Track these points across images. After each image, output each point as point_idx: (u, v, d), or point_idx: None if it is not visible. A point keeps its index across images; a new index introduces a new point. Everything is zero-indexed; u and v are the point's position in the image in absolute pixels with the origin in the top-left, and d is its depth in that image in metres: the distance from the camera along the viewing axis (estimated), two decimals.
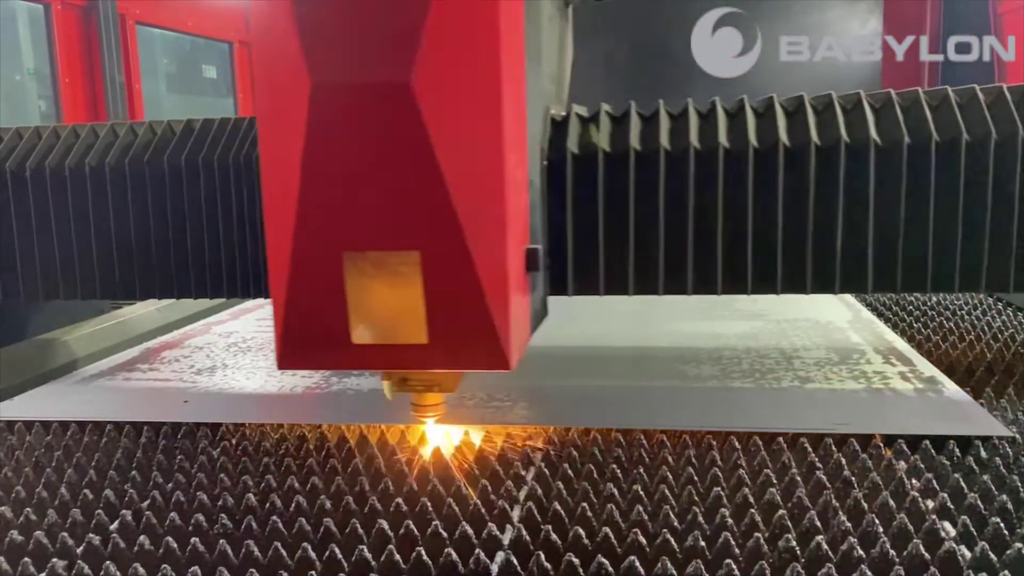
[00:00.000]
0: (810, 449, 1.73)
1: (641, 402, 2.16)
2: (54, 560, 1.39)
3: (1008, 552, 1.30)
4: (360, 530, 1.46)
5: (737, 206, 1.98)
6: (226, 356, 2.72)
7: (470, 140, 1.46)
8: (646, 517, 1.48)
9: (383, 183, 1.48)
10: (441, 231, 1.47)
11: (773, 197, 1.97)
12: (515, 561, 1.34)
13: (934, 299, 3.32)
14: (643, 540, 1.38)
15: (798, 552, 1.34)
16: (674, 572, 1.29)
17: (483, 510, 1.53)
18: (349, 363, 1.66)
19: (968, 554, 1.32)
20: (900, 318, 3.04)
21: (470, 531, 1.43)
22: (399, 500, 1.56)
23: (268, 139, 1.52)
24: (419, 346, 1.53)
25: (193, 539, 1.43)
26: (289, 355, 1.58)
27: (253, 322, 3.25)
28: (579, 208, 2.00)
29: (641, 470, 1.68)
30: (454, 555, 1.36)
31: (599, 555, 1.33)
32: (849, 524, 1.40)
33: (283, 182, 1.49)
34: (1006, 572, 1.26)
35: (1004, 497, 1.47)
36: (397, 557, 1.37)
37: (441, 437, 1.90)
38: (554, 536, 1.41)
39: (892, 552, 1.31)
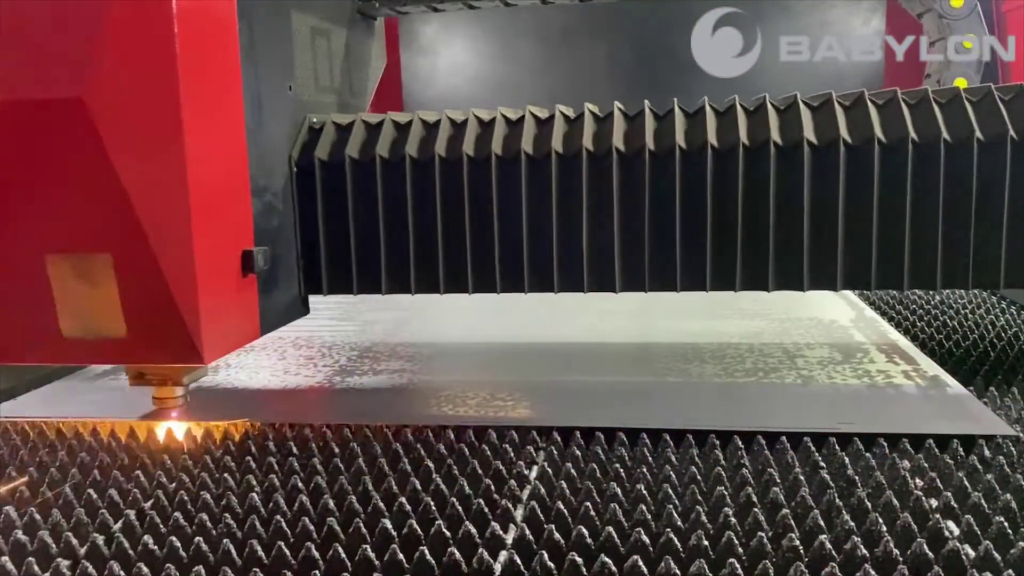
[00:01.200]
0: (813, 448, 1.73)
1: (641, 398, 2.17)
2: (58, 560, 1.39)
3: (1012, 551, 1.30)
4: (363, 530, 1.46)
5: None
6: (228, 356, 2.72)
7: (150, 151, 1.57)
8: (649, 516, 1.48)
9: (72, 193, 1.59)
10: (127, 235, 1.59)
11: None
12: (518, 560, 1.34)
13: (937, 297, 3.32)
14: (646, 539, 1.38)
15: (802, 551, 1.34)
16: (677, 571, 1.29)
17: (486, 509, 1.53)
18: (59, 357, 1.80)
19: (972, 553, 1.32)
20: (903, 316, 3.03)
21: (473, 530, 1.43)
22: (402, 500, 1.56)
23: None
24: (121, 341, 1.67)
25: (197, 539, 1.43)
26: (5, 350, 1.72)
27: None
28: (328, 211, 2.10)
29: (644, 469, 1.68)
30: (457, 554, 1.36)
31: (602, 554, 1.33)
32: (853, 523, 1.40)
33: None
34: (1010, 571, 1.26)
35: (1008, 496, 1.47)
36: (400, 556, 1.37)
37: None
38: (557, 535, 1.41)
39: (896, 551, 1.31)
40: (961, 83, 3.40)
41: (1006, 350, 2.49)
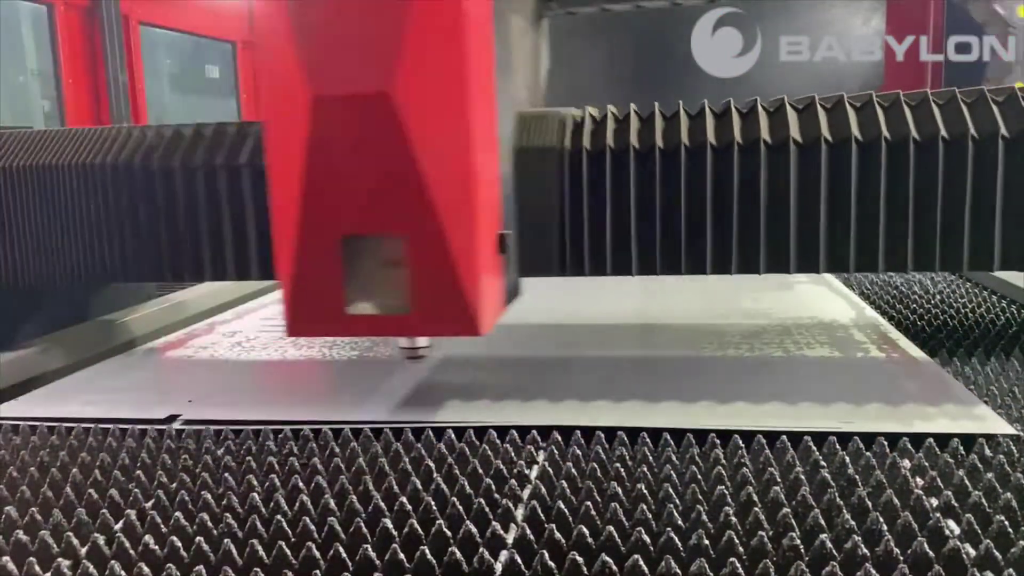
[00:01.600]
0: (814, 447, 1.73)
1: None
2: (59, 560, 1.40)
3: (1013, 550, 1.30)
4: (364, 529, 1.46)
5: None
6: (230, 355, 2.72)
7: (444, 141, 1.76)
8: (650, 515, 1.48)
9: (373, 178, 1.79)
10: (421, 219, 1.78)
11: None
12: (519, 560, 1.34)
13: (932, 290, 3.32)
14: (647, 538, 1.38)
15: (802, 550, 1.34)
16: (678, 571, 1.29)
17: (487, 509, 1.53)
18: (345, 331, 2.04)
19: (972, 552, 1.32)
20: (904, 316, 3.04)
21: (474, 530, 1.43)
22: (403, 499, 1.56)
23: (271, 146, 1.83)
24: (402, 316, 1.85)
25: (198, 539, 1.43)
26: (296, 325, 1.92)
27: (257, 321, 3.25)
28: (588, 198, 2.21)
29: (644, 468, 1.68)
30: (458, 554, 1.36)
31: (603, 553, 1.33)
32: (853, 522, 1.40)
33: (288, 178, 1.81)
34: (1011, 570, 1.26)
35: (1008, 495, 1.47)
36: (401, 556, 1.37)
37: None
38: (558, 534, 1.41)
39: (896, 550, 1.31)
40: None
41: (1007, 348, 2.49)
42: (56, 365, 2.69)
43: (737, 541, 1.36)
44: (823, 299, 3.29)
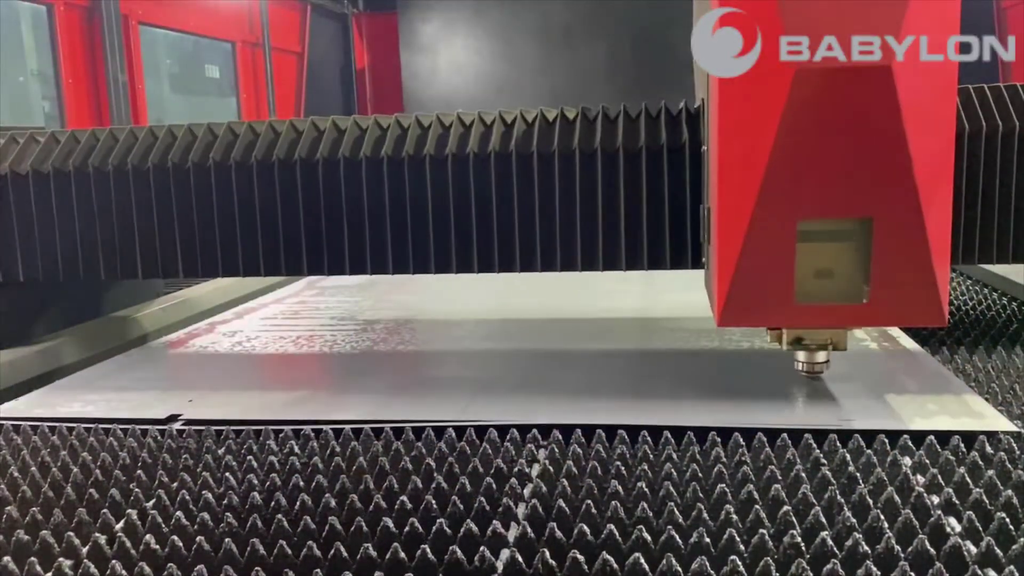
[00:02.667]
0: (815, 445, 1.73)
1: None
2: (60, 560, 1.40)
3: (1014, 547, 1.30)
4: (365, 528, 1.46)
5: None
6: (231, 355, 2.72)
7: (929, 119, 1.66)
8: (651, 514, 1.48)
9: (848, 158, 1.67)
10: (899, 199, 1.67)
11: None
12: (520, 558, 1.34)
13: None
14: (648, 536, 1.38)
15: (803, 548, 1.34)
16: (679, 569, 1.29)
17: (488, 508, 1.53)
18: (790, 321, 1.87)
19: (974, 549, 1.32)
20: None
21: (475, 529, 1.43)
22: (404, 498, 1.56)
23: (729, 122, 1.73)
24: (858, 305, 1.76)
25: (199, 538, 1.43)
26: (732, 314, 1.81)
27: (257, 321, 3.26)
28: None
29: (645, 467, 1.68)
30: (459, 553, 1.36)
31: (604, 552, 1.33)
32: (854, 520, 1.40)
33: (745, 160, 1.70)
34: (1012, 567, 1.26)
35: (1009, 492, 1.47)
36: (402, 555, 1.37)
37: None
38: (559, 533, 1.41)
39: (897, 548, 1.31)
40: None
41: (1008, 347, 2.49)
42: (73, 360, 2.79)
43: (738, 539, 1.36)
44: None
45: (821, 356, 2.03)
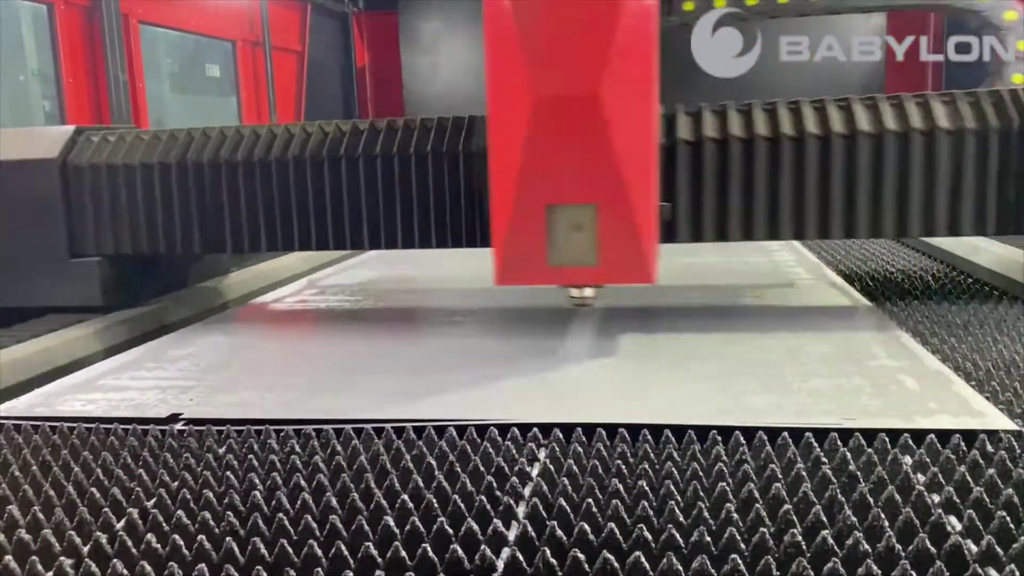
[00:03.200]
0: (815, 444, 1.73)
1: None
2: (61, 559, 1.40)
3: (1014, 546, 1.30)
4: (366, 527, 1.46)
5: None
6: (231, 354, 2.73)
7: (630, 129, 2.31)
8: (651, 512, 1.48)
9: (576, 161, 2.33)
10: (611, 191, 2.34)
11: None
12: (521, 557, 1.34)
13: (934, 286, 3.32)
14: (648, 535, 1.38)
15: (804, 547, 1.34)
16: (679, 568, 1.29)
17: (488, 507, 1.53)
18: (546, 280, 2.51)
19: (974, 548, 1.32)
20: (907, 313, 3.03)
21: (476, 527, 1.44)
22: (404, 497, 1.56)
23: (495, 137, 2.37)
24: (592, 269, 2.41)
25: (200, 537, 1.43)
26: (504, 276, 2.46)
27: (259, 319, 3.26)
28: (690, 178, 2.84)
29: (646, 465, 1.68)
30: (460, 551, 1.36)
31: (604, 550, 1.33)
32: (855, 518, 1.40)
33: (507, 161, 2.35)
34: (1012, 566, 1.26)
35: (1010, 491, 1.47)
36: (403, 554, 1.37)
37: None
38: (559, 532, 1.41)
39: (898, 546, 1.31)
40: (1018, 79, 4.51)
41: (1010, 344, 2.49)
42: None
43: (739, 538, 1.37)
44: (824, 293, 3.29)
45: (589, 292, 2.63)
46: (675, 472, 1.65)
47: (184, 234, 3.14)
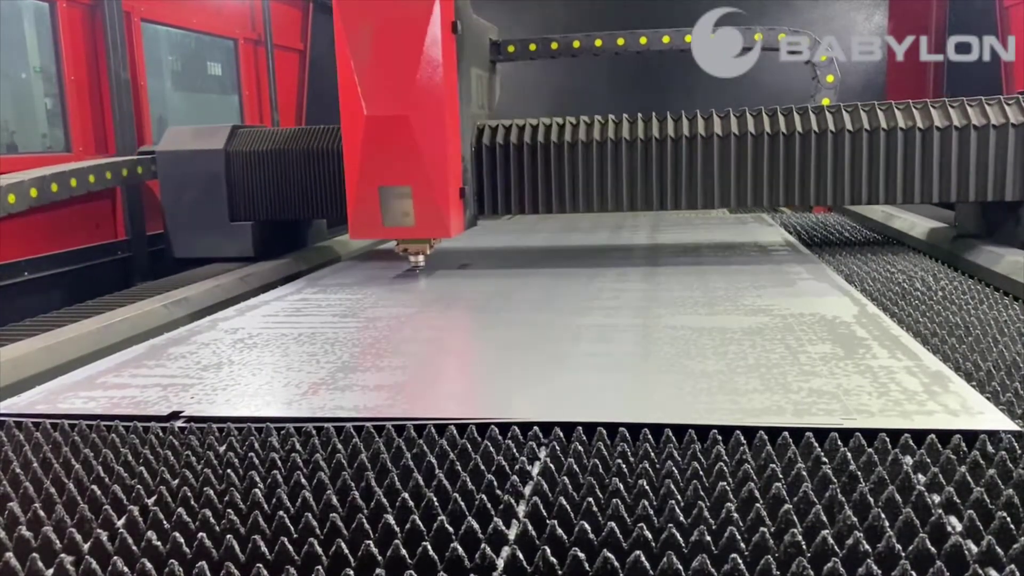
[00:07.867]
0: (816, 444, 1.73)
1: None
2: (62, 556, 1.40)
3: (1015, 546, 1.30)
4: (366, 525, 1.46)
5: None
6: (232, 352, 2.73)
7: (431, 138, 3.76)
8: (651, 512, 1.48)
9: (397, 157, 3.78)
10: (421, 178, 3.80)
11: None
12: (521, 556, 1.35)
13: (939, 293, 3.32)
14: (649, 534, 1.39)
15: (804, 546, 1.34)
16: (680, 567, 1.29)
17: (489, 505, 1.53)
18: (383, 235, 4.38)
19: (974, 548, 1.32)
20: (907, 313, 3.03)
21: (476, 526, 1.44)
22: (405, 496, 1.56)
23: (346, 139, 3.86)
24: (411, 227, 3.88)
25: (200, 535, 1.43)
26: (355, 231, 3.96)
27: (259, 318, 3.26)
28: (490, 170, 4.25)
29: (646, 465, 1.68)
30: (460, 550, 1.36)
31: (604, 549, 1.33)
32: (855, 518, 1.40)
33: (352, 157, 3.85)
34: (1013, 567, 1.26)
35: (1010, 491, 1.47)
36: (403, 552, 1.37)
37: None
38: (560, 531, 1.41)
39: (898, 546, 1.31)
40: (826, 101, 5.23)
41: (1008, 346, 2.49)
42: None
43: (739, 537, 1.37)
44: (824, 295, 3.29)
45: (421, 259, 4.06)
46: (675, 471, 1.65)
47: (306, 204, 4.59)
